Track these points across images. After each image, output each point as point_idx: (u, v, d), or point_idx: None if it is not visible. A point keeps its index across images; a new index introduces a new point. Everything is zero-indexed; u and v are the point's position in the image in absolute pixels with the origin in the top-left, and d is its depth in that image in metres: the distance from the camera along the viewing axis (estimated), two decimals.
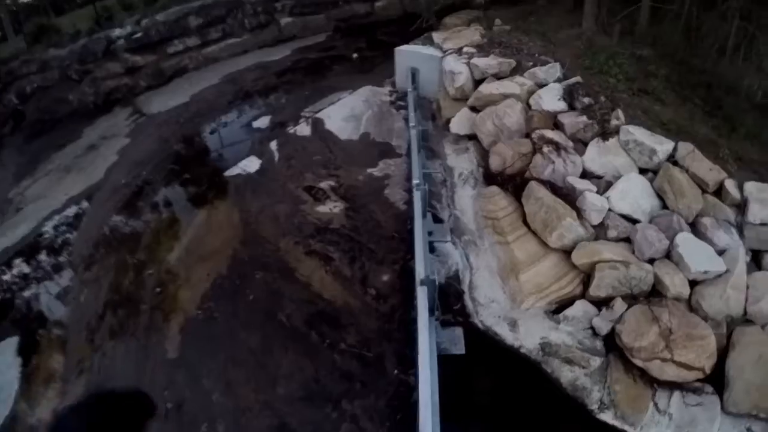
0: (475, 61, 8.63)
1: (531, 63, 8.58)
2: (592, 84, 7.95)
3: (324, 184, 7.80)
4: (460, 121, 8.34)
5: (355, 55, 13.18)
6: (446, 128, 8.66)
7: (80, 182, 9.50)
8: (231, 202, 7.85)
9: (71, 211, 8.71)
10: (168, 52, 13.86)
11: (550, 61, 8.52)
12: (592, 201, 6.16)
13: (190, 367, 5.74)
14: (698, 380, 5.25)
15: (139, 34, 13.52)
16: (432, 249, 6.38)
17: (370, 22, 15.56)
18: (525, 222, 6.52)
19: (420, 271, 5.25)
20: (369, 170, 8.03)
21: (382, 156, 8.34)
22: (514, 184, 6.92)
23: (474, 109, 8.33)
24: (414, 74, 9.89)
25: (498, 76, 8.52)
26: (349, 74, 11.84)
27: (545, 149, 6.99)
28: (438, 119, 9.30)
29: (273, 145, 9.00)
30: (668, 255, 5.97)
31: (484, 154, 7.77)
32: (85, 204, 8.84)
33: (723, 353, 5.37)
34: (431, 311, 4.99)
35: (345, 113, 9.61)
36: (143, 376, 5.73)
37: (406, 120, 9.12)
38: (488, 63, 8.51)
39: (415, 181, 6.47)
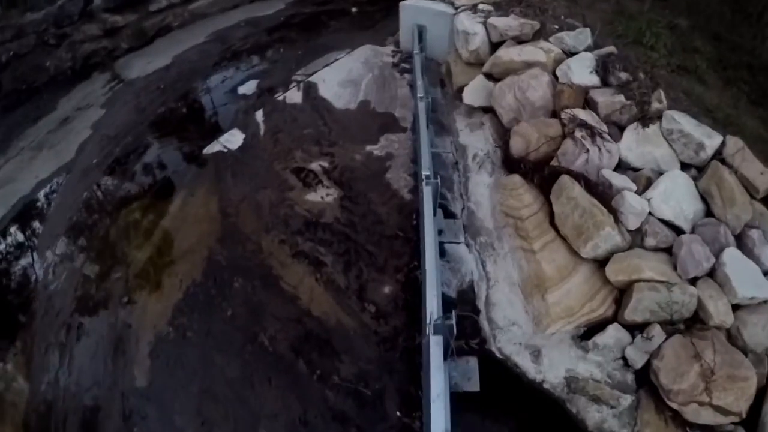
0: (492, 20, 7.07)
1: (557, 27, 7.01)
2: (628, 56, 6.42)
3: (315, 165, 6.47)
4: (474, 91, 6.85)
5: (354, 9, 11.46)
6: (458, 97, 7.19)
7: (51, 162, 8.22)
8: (209, 188, 6.59)
9: (39, 198, 7.47)
10: (150, 9, 12.18)
11: (578, 25, 6.96)
12: (632, 203, 4.83)
13: (161, 400, 4.65)
14: (732, 423, 4.23)
15: None
16: (442, 252, 5.10)
17: None
18: (552, 223, 5.20)
19: (432, 310, 3.96)
20: (368, 147, 6.67)
21: (384, 130, 6.94)
22: (540, 174, 5.57)
23: (490, 77, 6.86)
24: (421, 33, 8.32)
25: (519, 40, 6.98)
26: (347, 31, 10.23)
27: (578, 134, 5.58)
28: (448, 86, 7.81)
29: (259, 115, 7.62)
30: (712, 273, 4.71)
31: (502, 133, 6.36)
32: (54, 188, 7.59)
33: (761, 392, 4.31)
34: (446, 354, 3.73)
35: (341, 77, 8.14)
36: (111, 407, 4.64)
37: (411, 86, 7.68)
38: (508, 24, 6.94)
39: (424, 173, 5.16)
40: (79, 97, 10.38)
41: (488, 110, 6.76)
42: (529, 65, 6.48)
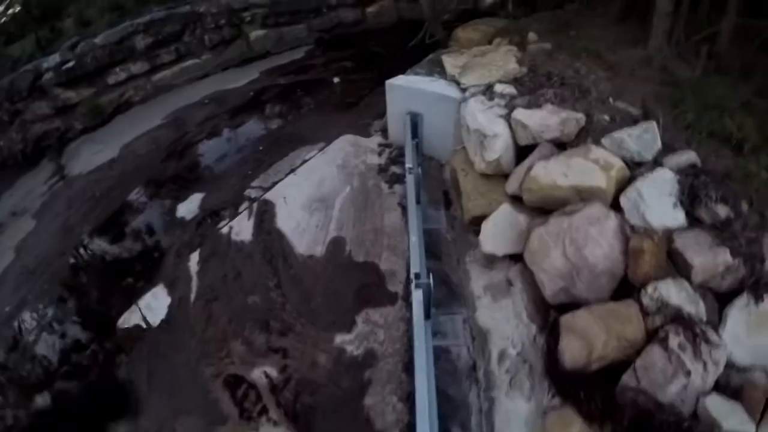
0: (521, 116, 4.42)
1: (607, 117, 4.41)
2: (715, 169, 3.85)
3: (259, 375, 3.81)
4: (497, 231, 4.18)
5: (336, 80, 8.75)
6: (470, 230, 4.48)
7: None
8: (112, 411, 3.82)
9: None
10: (108, 82, 9.56)
11: (633, 112, 4.32)
12: None
13: None
14: None
15: (71, 63, 9.13)
16: None
17: (360, 32, 11.02)
18: None
19: None
20: (339, 338, 3.94)
21: (364, 299, 4.21)
22: (604, 398, 3.01)
23: (519, 201, 4.11)
24: (415, 123, 5.65)
25: (559, 142, 4.24)
26: (325, 112, 7.55)
27: (673, 341, 2.95)
28: (455, 207, 5.07)
29: (194, 262, 4.97)
30: None
31: (544, 311, 3.68)
32: None
33: None
34: None
35: (309, 192, 5.46)
36: None
37: (404, 208, 4.88)
38: (544, 122, 4.32)
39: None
40: (20, 194, 8.01)
41: (518, 258, 4.00)
42: (581, 194, 3.79)
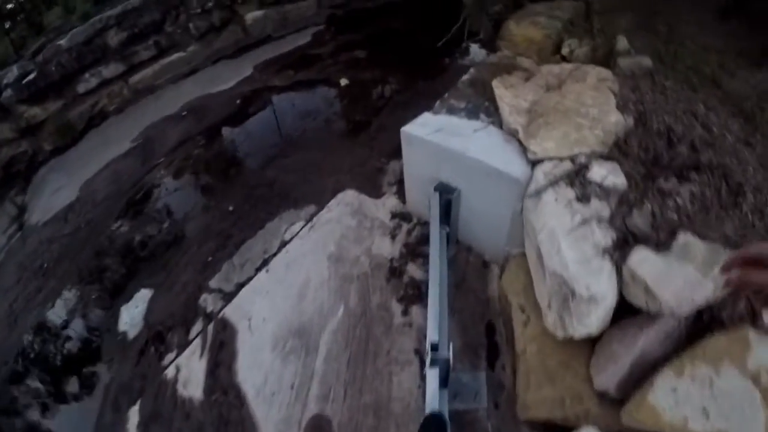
0: (644, 270, 2.06)
1: None
2: None
3: None
4: None
5: (343, 81, 6.53)
6: (521, 422, 2.47)
7: None
8: None
9: None
10: (78, 92, 7.77)
11: None
12: None
13: None
14: None
15: (32, 75, 7.38)
16: None
17: (380, 5, 8.49)
18: None
19: None
20: None
21: None
22: None
23: (612, 405, 2.08)
24: (448, 202, 3.39)
25: (713, 322, 2.05)
26: (322, 141, 5.39)
27: None
28: (503, 367, 2.96)
29: (132, 424, 3.19)
30: None
31: None
32: None
33: None
34: None
35: (285, 310, 3.52)
36: None
37: (422, 360, 2.97)
38: (688, 291, 1.97)
39: None
40: None
41: None
42: None
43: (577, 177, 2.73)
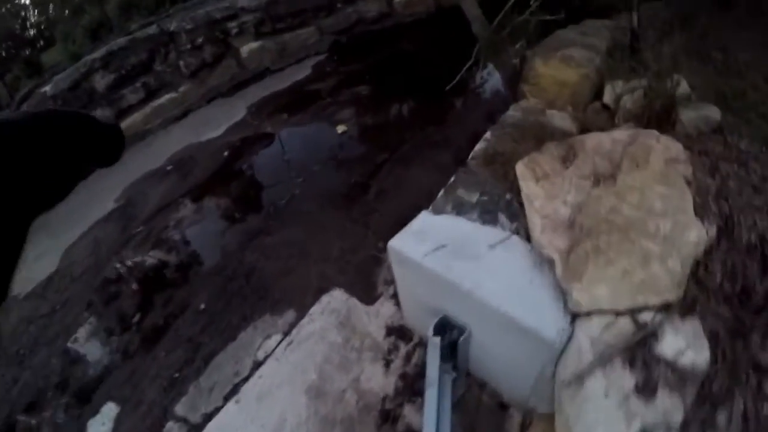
0: None
1: None
2: None
3: None
4: None
5: (341, 129, 5.74)
6: None
7: None
8: None
9: None
10: None
11: None
12: None
13: None
14: None
15: None
16: None
17: (387, 29, 7.71)
18: None
19: None
20: None
21: None
22: None
23: None
24: (453, 343, 2.43)
25: None
26: (310, 213, 4.58)
27: None
28: None
29: None
30: None
31: None
32: None
33: None
34: None
35: None
36: None
37: None
38: None
39: None
40: None
41: None
42: None
43: (640, 350, 1.87)
